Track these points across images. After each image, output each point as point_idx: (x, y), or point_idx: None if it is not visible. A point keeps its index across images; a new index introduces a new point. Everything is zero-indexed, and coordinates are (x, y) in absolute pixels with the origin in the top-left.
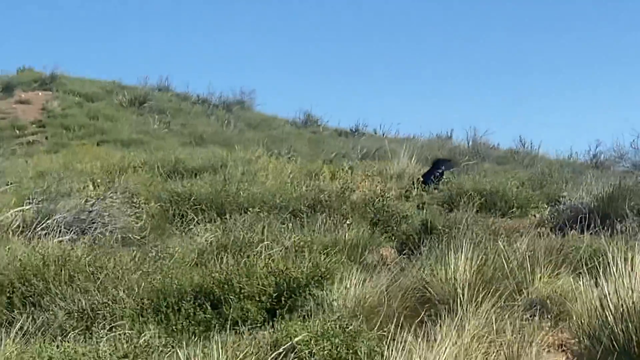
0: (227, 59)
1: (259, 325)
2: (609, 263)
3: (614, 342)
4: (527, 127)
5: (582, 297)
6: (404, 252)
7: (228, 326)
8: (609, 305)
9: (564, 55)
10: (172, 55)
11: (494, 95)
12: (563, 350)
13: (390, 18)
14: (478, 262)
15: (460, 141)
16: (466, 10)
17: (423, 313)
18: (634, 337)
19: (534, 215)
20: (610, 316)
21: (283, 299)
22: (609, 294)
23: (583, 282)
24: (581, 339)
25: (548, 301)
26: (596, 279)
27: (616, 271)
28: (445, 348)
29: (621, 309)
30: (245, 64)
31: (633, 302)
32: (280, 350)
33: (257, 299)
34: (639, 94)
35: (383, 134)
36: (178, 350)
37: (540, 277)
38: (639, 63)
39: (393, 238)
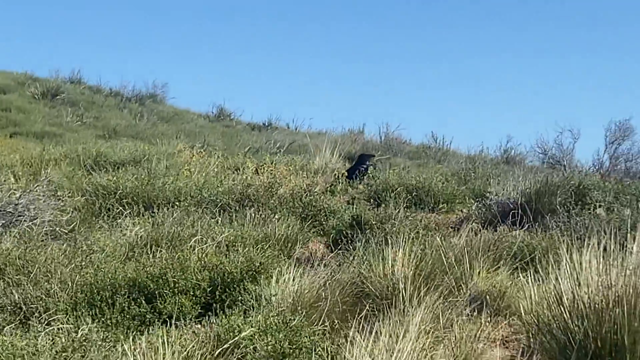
0: (139, 52)
1: (194, 320)
2: (556, 259)
3: (570, 338)
4: (439, 123)
5: (529, 292)
6: (338, 247)
7: (163, 321)
8: (563, 301)
9: (480, 49)
10: (84, 48)
11: (406, 90)
12: (505, 346)
13: (302, 12)
14: (416, 257)
15: (373, 136)
16: (375, 4)
17: (365, 308)
18: (590, 333)
19: (461, 211)
20: (566, 312)
21: (217, 293)
22: (564, 289)
23: (529, 278)
24: (532, 334)
25: (487, 296)
26: (536, 274)
27: (567, 267)
28: (407, 344)
29: (577, 305)
30: (158, 58)
31: (589, 298)
32: (227, 345)
33: (192, 293)
34: (551, 89)
35: (296, 128)
36: (123, 344)
37: (479, 272)
38: (555, 58)
39: (322, 233)
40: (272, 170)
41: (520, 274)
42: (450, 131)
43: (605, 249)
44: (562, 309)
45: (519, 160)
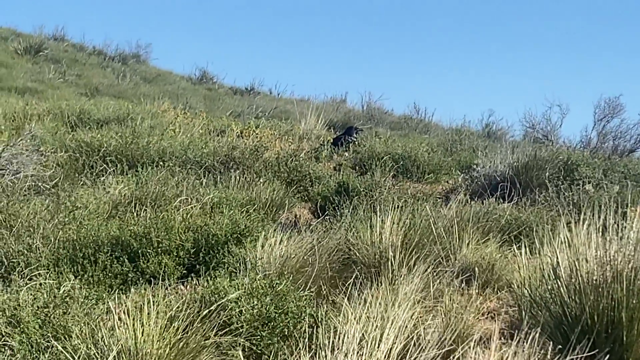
0: (124, 11)
1: (177, 281)
2: (552, 232)
3: (566, 313)
4: (422, 94)
5: (521, 265)
6: (324, 213)
7: (145, 280)
8: (560, 274)
9: (466, 21)
10: (69, 5)
11: (390, 61)
12: (493, 318)
13: None
14: (404, 226)
15: (355, 105)
16: None
17: (352, 275)
18: (587, 309)
19: (447, 182)
20: (563, 286)
21: (201, 255)
22: (562, 263)
23: (522, 250)
24: (524, 307)
25: (476, 268)
26: (527, 248)
27: (565, 240)
28: (402, 313)
29: (575, 280)
30: (143, 18)
31: (588, 273)
32: (213, 307)
33: (175, 254)
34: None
35: (278, 94)
36: (107, 301)
37: (468, 244)
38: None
39: (307, 199)
40: (257, 134)
41: (514, 246)
42: (433, 103)
43: (604, 224)
44: (559, 282)
45: (500, 135)
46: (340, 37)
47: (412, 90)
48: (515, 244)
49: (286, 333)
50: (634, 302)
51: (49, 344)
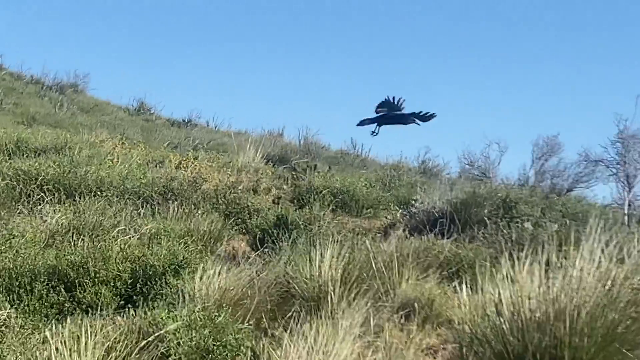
0: (63, 40)
1: (114, 311)
2: (492, 269)
3: (508, 350)
4: (357, 130)
5: (462, 301)
6: (263, 245)
7: (82, 310)
8: (502, 311)
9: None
10: (7, 33)
11: (326, 95)
12: (433, 355)
13: (226, 12)
14: (344, 260)
15: (292, 139)
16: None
17: (292, 308)
18: (530, 347)
19: (386, 217)
20: (506, 323)
21: (139, 286)
22: (504, 300)
23: (463, 287)
24: (465, 344)
25: (416, 304)
26: (467, 284)
27: (508, 277)
28: (344, 348)
29: (517, 317)
30: (81, 47)
31: (530, 310)
32: (151, 338)
33: (112, 284)
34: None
35: (215, 127)
36: (44, 331)
37: (408, 279)
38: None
39: (245, 231)
40: (195, 165)
41: (454, 282)
42: (369, 139)
43: (547, 262)
44: (502, 319)
45: (437, 171)
46: (278, 70)
47: (349, 126)
48: (455, 280)
49: None
50: (577, 341)
51: None
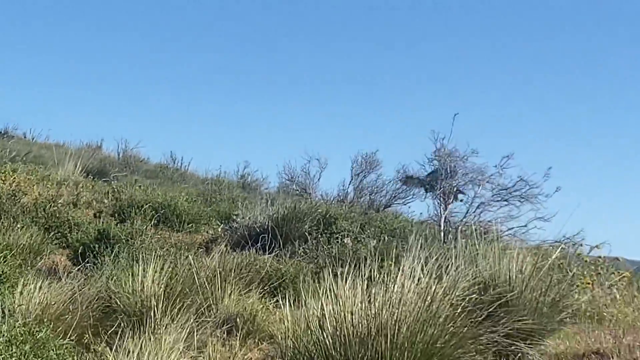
0: None
1: None
2: (315, 284)
3: None
4: (178, 143)
5: (284, 316)
6: (85, 260)
7: None
8: (325, 326)
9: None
10: None
11: (146, 106)
12: None
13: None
14: (167, 275)
15: (111, 152)
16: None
17: (115, 323)
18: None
19: (207, 232)
20: (328, 338)
21: None
22: (327, 315)
23: (286, 302)
24: (289, 358)
25: (238, 319)
26: (289, 299)
27: (331, 293)
28: None
29: (340, 332)
30: None
31: (352, 325)
32: None
33: None
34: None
35: (33, 139)
36: None
37: (230, 294)
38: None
39: (66, 245)
40: (14, 178)
41: (276, 297)
42: (189, 152)
43: (368, 277)
44: (325, 334)
45: (256, 186)
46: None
47: (169, 138)
48: (278, 295)
49: None
50: (397, 355)
51: None
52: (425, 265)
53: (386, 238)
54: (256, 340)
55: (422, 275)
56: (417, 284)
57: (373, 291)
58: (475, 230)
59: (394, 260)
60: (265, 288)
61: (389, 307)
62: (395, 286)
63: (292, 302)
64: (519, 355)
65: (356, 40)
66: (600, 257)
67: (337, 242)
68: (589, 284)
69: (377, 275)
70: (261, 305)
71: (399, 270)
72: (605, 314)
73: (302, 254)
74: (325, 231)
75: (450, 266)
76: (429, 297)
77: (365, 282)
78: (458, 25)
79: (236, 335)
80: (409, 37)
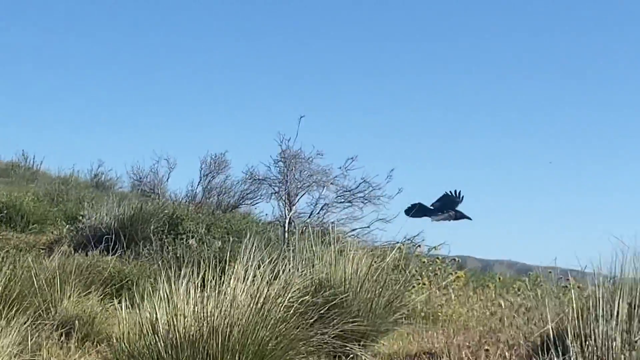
0: None
1: None
2: (152, 287)
3: None
4: (31, 141)
5: (121, 319)
6: None
7: None
8: (158, 329)
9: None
10: None
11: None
12: None
13: None
14: (5, 277)
15: None
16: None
17: None
18: None
19: (52, 232)
20: (161, 341)
21: None
22: (160, 318)
23: (123, 304)
24: None
25: (77, 321)
26: (129, 301)
27: (164, 295)
28: None
29: (172, 335)
30: None
31: (185, 328)
32: None
33: None
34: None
35: None
36: None
37: (70, 296)
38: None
39: None
40: None
41: (115, 300)
42: (43, 150)
43: (203, 279)
44: (157, 337)
45: (109, 185)
46: None
47: (22, 136)
48: (120, 297)
49: None
50: (229, 357)
51: None
52: (259, 267)
53: (231, 239)
54: (94, 343)
55: (256, 277)
56: (250, 286)
57: (206, 294)
58: (314, 231)
59: (234, 261)
60: (107, 290)
61: (222, 310)
62: (229, 288)
63: (131, 304)
64: (351, 356)
65: (201, 36)
66: (439, 257)
67: (182, 243)
68: (424, 284)
69: (213, 277)
70: (101, 308)
71: (233, 272)
72: (440, 314)
73: (146, 255)
74: (171, 232)
75: (285, 268)
76: (261, 299)
77: (201, 284)
78: (298, 25)
79: (74, 337)
80: (256, 35)
